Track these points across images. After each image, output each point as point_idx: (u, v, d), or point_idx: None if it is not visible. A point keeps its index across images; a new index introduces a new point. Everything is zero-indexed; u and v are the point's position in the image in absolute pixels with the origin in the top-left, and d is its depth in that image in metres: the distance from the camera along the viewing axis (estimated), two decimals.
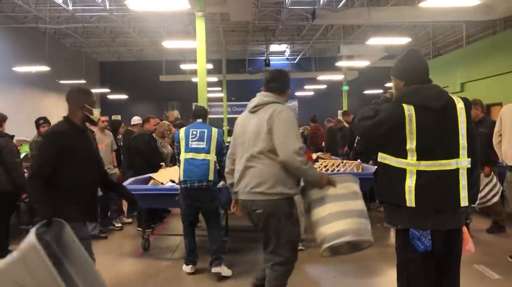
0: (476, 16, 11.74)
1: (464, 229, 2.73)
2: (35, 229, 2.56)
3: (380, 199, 2.76)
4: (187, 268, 4.89)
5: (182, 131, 4.94)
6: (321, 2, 13.83)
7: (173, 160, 7.85)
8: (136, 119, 8.04)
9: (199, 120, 5.03)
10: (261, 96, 3.43)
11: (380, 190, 2.76)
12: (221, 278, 4.67)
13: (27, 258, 2.43)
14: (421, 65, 2.73)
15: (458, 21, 14.62)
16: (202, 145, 4.76)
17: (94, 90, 26.43)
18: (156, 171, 6.56)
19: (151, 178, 6.04)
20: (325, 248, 3.04)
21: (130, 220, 7.00)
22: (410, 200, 2.54)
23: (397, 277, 2.73)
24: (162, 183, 5.64)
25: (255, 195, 3.24)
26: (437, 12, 11.27)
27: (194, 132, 4.84)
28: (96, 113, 3.27)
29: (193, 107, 24.39)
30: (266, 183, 3.20)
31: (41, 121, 6.23)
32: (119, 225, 6.94)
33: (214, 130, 4.91)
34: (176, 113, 17.43)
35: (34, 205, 6.38)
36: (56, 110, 21.56)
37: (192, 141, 4.79)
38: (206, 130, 4.86)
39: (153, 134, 7.22)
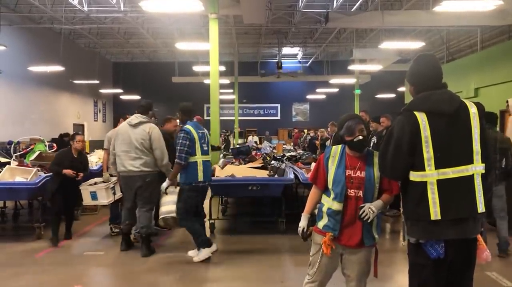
0: (491, 21, 11.64)
1: (479, 237, 2.66)
2: None
3: (406, 216, 2.69)
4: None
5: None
6: (335, 5, 13.81)
7: None
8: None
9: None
10: None
11: (406, 209, 2.68)
12: None
13: None
14: (431, 71, 2.66)
15: (473, 25, 14.49)
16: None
17: (106, 91, 26.54)
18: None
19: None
20: (160, 219, 5.28)
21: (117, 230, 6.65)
22: (436, 213, 2.49)
23: (409, 283, 2.71)
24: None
25: None
26: (452, 16, 11.18)
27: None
28: None
29: (205, 109, 23.91)
30: None
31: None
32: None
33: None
34: None
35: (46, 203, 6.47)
36: (69, 109, 21.86)
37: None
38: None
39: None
